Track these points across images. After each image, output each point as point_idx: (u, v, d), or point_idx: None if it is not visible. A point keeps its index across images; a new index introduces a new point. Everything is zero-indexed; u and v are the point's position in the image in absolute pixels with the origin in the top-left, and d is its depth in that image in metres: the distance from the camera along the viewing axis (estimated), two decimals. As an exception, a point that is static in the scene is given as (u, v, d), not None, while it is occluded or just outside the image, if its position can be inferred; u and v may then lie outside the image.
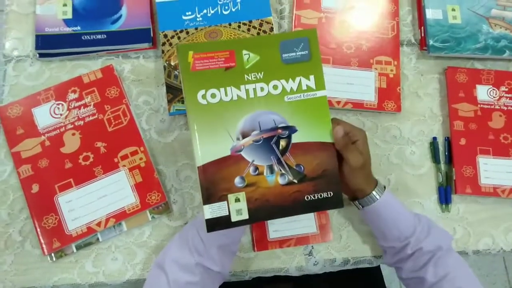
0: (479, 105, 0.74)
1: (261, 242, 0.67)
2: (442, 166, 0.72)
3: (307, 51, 0.57)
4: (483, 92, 0.74)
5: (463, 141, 0.71)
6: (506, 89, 0.75)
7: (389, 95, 0.73)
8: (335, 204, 0.56)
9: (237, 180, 0.54)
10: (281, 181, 0.55)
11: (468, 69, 0.76)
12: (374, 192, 0.59)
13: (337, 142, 0.55)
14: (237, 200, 0.54)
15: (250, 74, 0.55)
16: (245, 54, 0.56)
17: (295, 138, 0.55)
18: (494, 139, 0.72)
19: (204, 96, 0.55)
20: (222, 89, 0.55)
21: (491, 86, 0.75)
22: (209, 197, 0.53)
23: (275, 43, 0.56)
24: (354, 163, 0.56)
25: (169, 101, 0.69)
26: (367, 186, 0.59)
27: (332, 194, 0.55)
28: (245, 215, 0.54)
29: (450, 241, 0.61)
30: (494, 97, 0.74)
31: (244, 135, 0.54)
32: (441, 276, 0.57)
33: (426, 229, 0.59)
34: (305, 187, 0.55)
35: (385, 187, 0.60)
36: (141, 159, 0.67)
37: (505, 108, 0.74)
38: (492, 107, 0.74)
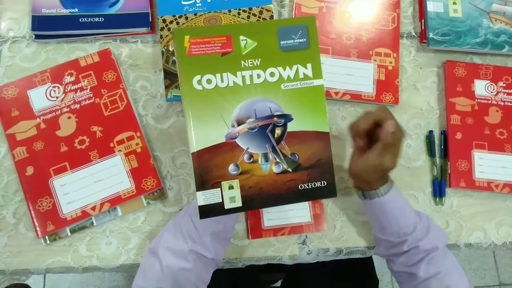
0: (476, 100, 0.74)
1: (255, 230, 0.67)
2: (437, 160, 0.72)
3: (305, 39, 0.56)
4: (481, 87, 0.74)
5: (459, 135, 0.72)
6: (504, 85, 0.75)
7: (387, 87, 0.73)
8: (328, 194, 0.56)
9: (231, 168, 0.54)
10: (275, 169, 0.55)
11: (466, 63, 0.75)
12: (381, 188, 0.58)
13: (386, 137, 0.54)
14: (231, 187, 0.54)
15: (247, 61, 0.55)
16: (242, 40, 0.55)
17: (291, 127, 0.55)
18: (490, 134, 0.72)
19: (199, 82, 0.54)
20: (218, 75, 0.54)
21: (489, 81, 0.75)
22: (202, 184, 0.53)
23: (273, 30, 0.56)
24: (387, 165, 0.55)
25: (167, 87, 0.68)
26: (378, 182, 0.58)
27: (326, 183, 0.55)
28: (238, 203, 0.54)
29: (446, 241, 0.61)
30: (491, 92, 0.74)
31: (240, 122, 0.54)
32: (432, 274, 0.57)
33: (425, 228, 0.59)
34: (299, 176, 0.55)
35: (392, 182, 0.60)
36: (137, 144, 0.66)
37: (502, 104, 0.74)
38: (489, 102, 0.74)
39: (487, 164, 0.71)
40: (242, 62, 0.55)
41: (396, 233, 0.59)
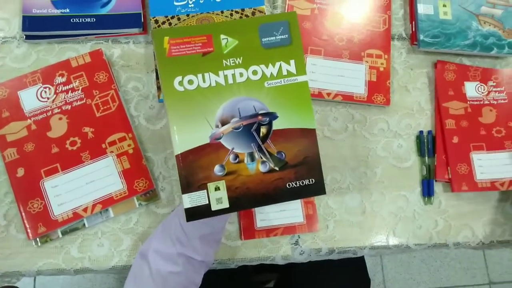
0: (468, 102, 0.74)
1: (248, 230, 0.67)
2: (427, 160, 0.73)
3: (287, 35, 0.56)
4: (472, 89, 0.75)
5: (455, 139, 0.72)
6: (494, 84, 0.76)
7: (379, 88, 0.73)
8: (317, 191, 0.56)
9: (216, 169, 0.53)
10: (262, 168, 0.54)
11: (457, 64, 0.77)
12: None
13: None
14: (217, 188, 0.53)
15: (228, 60, 0.55)
16: (223, 39, 0.55)
17: (276, 125, 0.55)
18: (487, 134, 0.73)
19: (181, 83, 0.54)
20: (199, 75, 0.54)
21: (479, 82, 0.76)
22: (188, 186, 0.53)
23: (254, 27, 0.55)
24: None
25: (159, 88, 0.68)
26: None
27: (314, 181, 0.55)
28: (225, 204, 0.53)
29: None
30: (482, 92, 0.75)
31: (224, 123, 0.54)
32: None
33: None
34: (286, 174, 0.54)
35: None
36: (129, 145, 0.66)
37: (495, 102, 0.75)
38: (482, 102, 0.75)
39: (487, 165, 0.71)
40: (224, 61, 0.54)
41: None
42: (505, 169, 0.71)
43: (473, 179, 0.70)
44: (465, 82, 0.75)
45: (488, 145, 0.72)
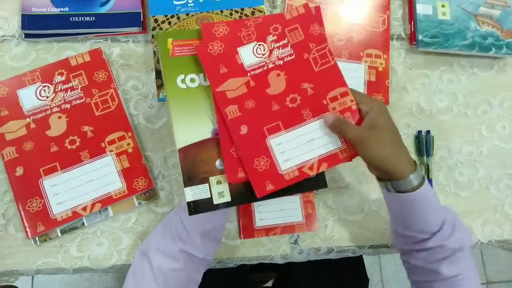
0: (249, 74, 0.57)
1: (247, 230, 0.67)
2: (426, 159, 0.73)
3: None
4: (248, 54, 0.58)
5: (244, 130, 0.55)
6: (275, 38, 0.59)
7: (378, 88, 0.73)
8: (318, 185, 0.56)
9: (218, 163, 0.54)
10: None
11: (227, 22, 0.59)
12: (412, 177, 0.51)
13: (330, 128, 0.55)
14: (219, 182, 0.54)
15: None
16: None
17: None
18: (280, 109, 0.57)
19: (183, 81, 0.56)
20: (201, 74, 0.57)
21: (255, 42, 0.58)
22: (189, 179, 0.53)
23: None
24: (351, 137, 0.53)
25: (158, 87, 0.68)
26: (400, 168, 0.52)
27: (314, 174, 0.55)
28: (227, 198, 0.54)
29: (470, 241, 0.55)
30: (263, 54, 0.58)
31: None
32: (454, 274, 0.54)
33: (452, 225, 0.55)
34: None
35: (424, 176, 0.54)
36: (128, 144, 0.66)
37: (281, 62, 0.58)
38: (265, 68, 0.58)
39: (289, 148, 0.55)
40: None
41: (421, 231, 0.55)
42: (309, 147, 0.56)
43: (277, 171, 0.54)
44: (238, 49, 0.58)
45: (286, 122, 0.56)
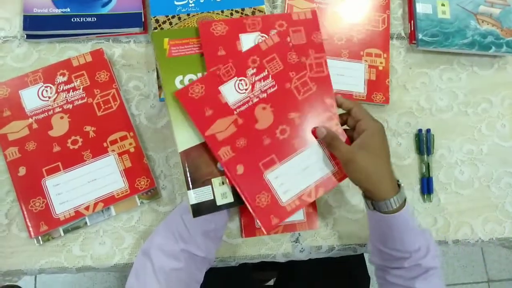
0: (235, 112, 0.57)
1: (249, 228, 0.67)
2: (426, 158, 0.74)
3: None
4: (231, 91, 0.57)
5: (240, 169, 0.56)
6: (254, 71, 0.58)
7: (378, 87, 0.74)
8: None
9: (219, 164, 0.55)
10: None
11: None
12: (392, 200, 0.53)
13: (322, 141, 0.57)
14: (222, 183, 0.54)
15: None
16: None
17: None
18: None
19: (182, 82, 0.55)
20: (199, 74, 0.56)
21: (236, 77, 0.57)
22: (193, 182, 0.54)
23: None
24: (340, 154, 0.55)
25: (160, 87, 0.68)
26: (381, 189, 0.54)
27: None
28: (230, 198, 0.54)
29: (440, 260, 0.58)
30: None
31: None
32: None
33: (427, 246, 0.57)
34: None
35: (405, 200, 0.56)
36: (130, 144, 0.67)
37: (265, 95, 0.58)
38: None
39: (288, 178, 0.57)
40: None
41: (398, 250, 0.57)
42: (305, 174, 0.58)
43: (279, 204, 0.56)
44: (219, 88, 0.56)
45: (279, 155, 0.57)
